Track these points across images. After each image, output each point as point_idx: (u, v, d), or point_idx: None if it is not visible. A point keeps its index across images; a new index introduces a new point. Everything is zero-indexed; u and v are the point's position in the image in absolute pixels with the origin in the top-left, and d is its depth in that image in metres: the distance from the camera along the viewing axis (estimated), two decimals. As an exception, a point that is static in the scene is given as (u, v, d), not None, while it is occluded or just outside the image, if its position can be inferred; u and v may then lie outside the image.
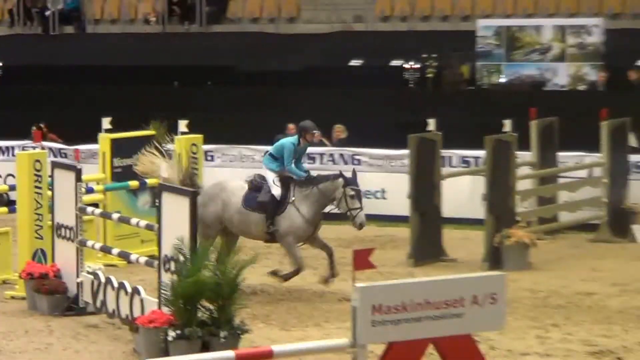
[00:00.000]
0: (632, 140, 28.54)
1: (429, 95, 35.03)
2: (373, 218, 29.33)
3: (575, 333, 20.10)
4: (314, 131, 23.21)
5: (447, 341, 12.67)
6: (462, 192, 27.07)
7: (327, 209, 22.53)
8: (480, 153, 26.80)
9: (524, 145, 27.43)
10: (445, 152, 27.25)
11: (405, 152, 26.67)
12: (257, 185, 22.41)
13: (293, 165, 22.31)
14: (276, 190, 22.13)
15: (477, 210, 25.79)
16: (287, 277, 22.40)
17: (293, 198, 22.13)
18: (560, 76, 35.35)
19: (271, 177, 22.26)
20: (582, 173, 29.24)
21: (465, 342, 12.78)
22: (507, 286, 13.07)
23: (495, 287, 12.89)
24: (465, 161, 28.85)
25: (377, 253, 13.16)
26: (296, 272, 22.29)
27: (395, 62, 36.55)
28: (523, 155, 27.47)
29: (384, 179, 30.10)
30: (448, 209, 26.28)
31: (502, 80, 35.88)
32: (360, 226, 22.40)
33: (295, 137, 22.81)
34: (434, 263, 24.97)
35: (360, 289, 12.36)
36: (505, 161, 26.06)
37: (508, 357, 18.11)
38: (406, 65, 36.34)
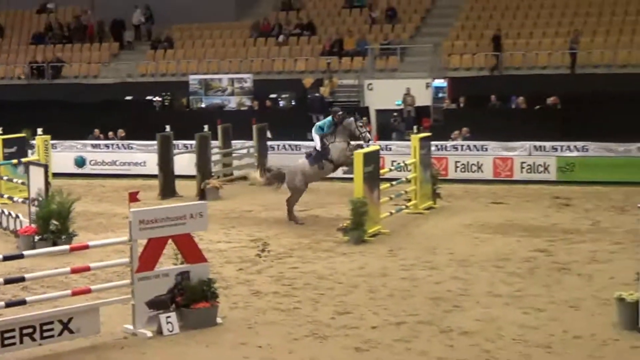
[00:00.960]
0: (269, 134, 28.74)
1: (167, 114, 34.49)
2: (140, 177, 28.97)
3: (243, 230, 20.12)
4: (339, 113, 20.66)
5: (178, 237, 12.52)
6: (183, 161, 26.67)
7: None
8: (192, 142, 26.49)
9: (215, 138, 27.35)
10: (175, 142, 26.82)
11: (155, 142, 26.24)
12: (309, 154, 20.82)
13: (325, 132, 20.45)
14: (317, 144, 20.47)
15: (192, 170, 25.54)
16: None
17: (331, 140, 20.29)
18: (232, 103, 35.20)
19: (316, 137, 20.54)
20: (244, 150, 29.27)
21: (188, 237, 12.64)
22: (208, 209, 12.94)
23: (202, 209, 12.78)
24: (185, 146, 28.42)
25: (142, 194, 12.87)
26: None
27: (149, 97, 35.91)
28: (214, 142, 27.33)
29: (145, 156, 29.58)
30: (177, 170, 25.97)
31: (203, 105, 35.53)
32: (368, 141, 20.39)
33: (330, 117, 20.64)
34: (171, 198, 24.63)
35: (133, 212, 12.12)
36: (205, 145, 25.89)
37: (209, 243, 17.96)
38: (154, 99, 35.78)
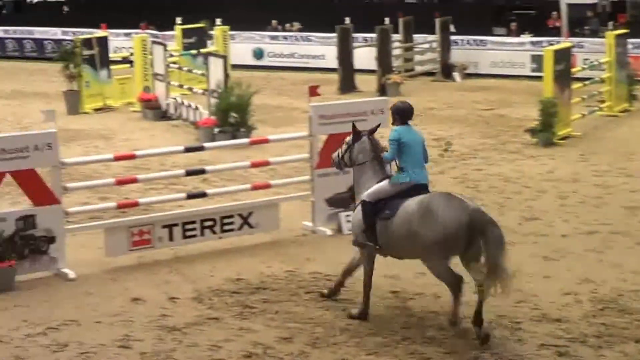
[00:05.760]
0: (452, 28, 28.13)
1: (345, 5, 34.04)
2: (319, 70, 28.97)
3: (426, 128, 19.66)
4: None
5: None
6: (363, 55, 26.32)
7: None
8: (373, 35, 26.21)
9: (396, 31, 27.00)
10: (355, 35, 26.53)
11: (334, 35, 26.02)
12: None
13: None
14: None
15: (372, 65, 25.33)
16: None
17: None
18: None
19: None
20: (426, 45, 28.74)
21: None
22: (388, 105, 12.74)
23: (383, 105, 12.58)
24: (365, 40, 28.09)
25: (321, 88, 12.69)
26: None
27: None
28: (396, 36, 27.01)
29: (324, 49, 29.44)
30: (357, 64, 25.78)
31: None
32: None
33: None
34: (351, 93, 24.50)
35: (313, 106, 12.08)
36: (386, 39, 25.62)
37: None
38: None
